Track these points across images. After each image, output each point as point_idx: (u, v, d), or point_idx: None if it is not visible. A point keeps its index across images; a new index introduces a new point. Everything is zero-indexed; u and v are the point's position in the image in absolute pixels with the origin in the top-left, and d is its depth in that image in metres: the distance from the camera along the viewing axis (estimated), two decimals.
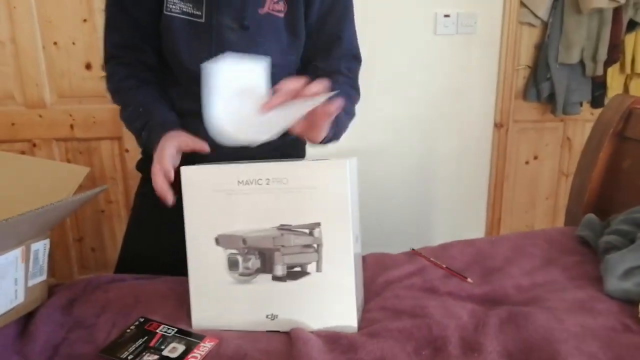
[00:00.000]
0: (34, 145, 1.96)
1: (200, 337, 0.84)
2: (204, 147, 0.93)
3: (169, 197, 0.87)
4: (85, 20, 1.86)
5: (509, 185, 2.40)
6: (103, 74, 1.88)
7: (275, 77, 1.04)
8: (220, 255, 0.88)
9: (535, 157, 2.43)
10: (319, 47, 1.06)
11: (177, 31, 0.98)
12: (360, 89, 1.11)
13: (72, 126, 1.95)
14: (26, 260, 0.89)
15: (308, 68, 1.08)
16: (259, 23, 0.99)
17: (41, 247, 0.92)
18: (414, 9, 2.05)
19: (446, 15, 2.07)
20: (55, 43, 1.88)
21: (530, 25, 2.23)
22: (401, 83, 2.11)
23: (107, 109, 1.93)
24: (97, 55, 1.89)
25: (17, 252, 0.86)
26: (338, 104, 0.84)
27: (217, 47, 0.99)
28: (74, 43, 1.88)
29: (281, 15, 1.00)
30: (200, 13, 0.97)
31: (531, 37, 2.27)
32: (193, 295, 0.90)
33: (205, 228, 0.88)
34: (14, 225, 0.77)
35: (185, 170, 0.89)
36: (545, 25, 2.23)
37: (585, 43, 2.19)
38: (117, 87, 1.05)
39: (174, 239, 1.02)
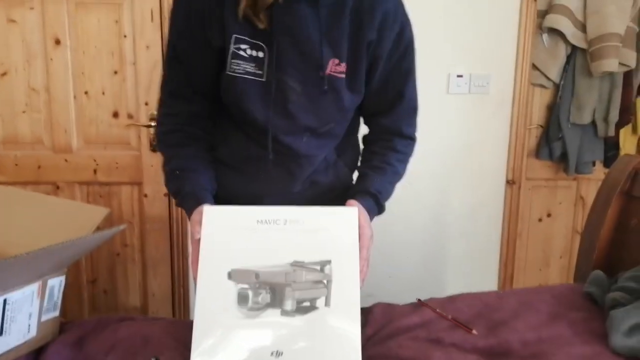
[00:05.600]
0: (58, 187, 2.03)
1: None
2: None
3: None
4: (115, 72, 1.97)
5: (522, 242, 2.39)
6: (129, 122, 1.99)
7: (334, 133, 1.12)
8: (231, 289, 0.89)
9: (549, 215, 2.43)
10: (383, 104, 1.10)
11: (241, 90, 1.01)
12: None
13: (95, 170, 2.02)
14: (42, 295, 0.92)
15: (371, 122, 1.14)
16: (320, 85, 1.01)
17: (57, 284, 0.96)
18: (427, 68, 2.13)
19: (459, 76, 2.15)
20: (86, 92, 1.98)
21: (542, 86, 2.29)
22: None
23: (129, 155, 2.01)
24: (125, 104, 1.99)
25: (34, 287, 0.90)
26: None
27: (275, 105, 1.02)
28: (103, 93, 1.98)
29: (342, 76, 1.02)
30: (261, 72, 1.00)
31: (543, 97, 2.32)
32: (196, 329, 0.89)
33: (219, 263, 0.91)
34: (32, 260, 0.81)
35: (207, 210, 0.95)
36: (557, 86, 2.28)
37: (597, 105, 2.24)
38: (162, 138, 1.10)
39: None
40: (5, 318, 0.84)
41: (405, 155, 1.13)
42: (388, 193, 1.09)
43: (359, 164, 1.19)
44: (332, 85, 1.02)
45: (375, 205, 1.05)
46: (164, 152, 1.10)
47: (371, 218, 1.03)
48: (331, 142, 1.12)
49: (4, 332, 0.84)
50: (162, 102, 1.10)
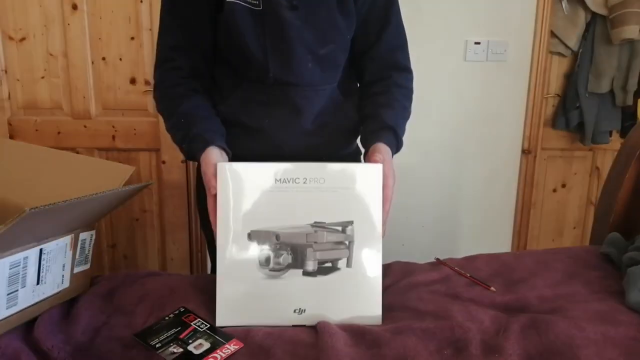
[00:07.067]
0: (77, 153, 2.06)
1: (228, 337, 0.85)
2: None
3: None
4: (132, 38, 1.97)
5: (536, 212, 2.40)
6: (146, 88, 2.00)
7: (335, 58, 1.11)
8: (252, 250, 0.90)
9: (564, 186, 2.43)
10: (371, 31, 1.10)
11: (239, 19, 1.01)
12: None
13: (113, 137, 2.05)
14: (74, 248, 0.96)
15: (366, 60, 1.14)
16: (310, 3, 1.02)
17: (87, 237, 0.99)
18: (444, 35, 2.11)
19: (477, 43, 2.13)
20: (103, 58, 1.99)
21: (561, 54, 2.26)
22: (431, 106, 2.15)
23: (147, 122, 2.02)
24: (142, 71, 2.00)
25: (67, 239, 0.93)
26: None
27: (271, 29, 1.02)
28: (120, 59, 2.00)
29: None
30: (257, 2, 1.01)
31: (561, 66, 2.30)
32: (220, 290, 0.90)
33: (238, 223, 0.89)
34: (66, 209, 0.83)
35: (221, 167, 0.90)
36: (575, 54, 2.26)
37: (616, 73, 2.21)
38: (164, 94, 1.08)
39: None
40: (41, 267, 0.87)
41: (408, 90, 1.13)
42: (402, 128, 1.07)
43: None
44: (323, 4, 1.03)
45: (394, 139, 1.03)
46: (167, 107, 1.08)
47: (393, 154, 1.02)
48: (333, 72, 1.12)
49: (40, 281, 0.88)
50: (163, 59, 1.09)
